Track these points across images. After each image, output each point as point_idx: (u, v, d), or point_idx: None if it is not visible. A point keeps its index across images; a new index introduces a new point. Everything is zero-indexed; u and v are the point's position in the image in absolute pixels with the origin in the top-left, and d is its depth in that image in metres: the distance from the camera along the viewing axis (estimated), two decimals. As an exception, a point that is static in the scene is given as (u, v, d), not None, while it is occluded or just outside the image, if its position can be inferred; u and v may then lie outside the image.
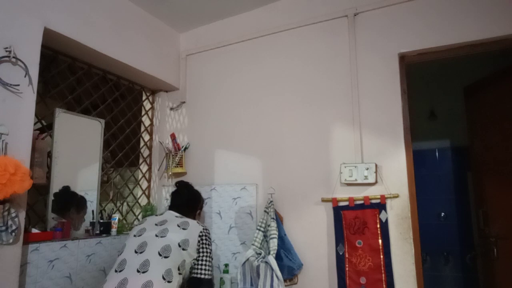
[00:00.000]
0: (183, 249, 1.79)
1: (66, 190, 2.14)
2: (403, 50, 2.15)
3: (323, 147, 2.28)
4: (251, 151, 2.53)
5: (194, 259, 1.84)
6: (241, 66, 2.68)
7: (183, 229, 1.87)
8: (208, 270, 1.86)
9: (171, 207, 2.11)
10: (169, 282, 1.65)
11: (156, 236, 1.81)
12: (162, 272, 1.66)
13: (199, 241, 1.86)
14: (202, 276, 1.83)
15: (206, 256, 1.87)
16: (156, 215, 2.07)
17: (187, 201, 2.13)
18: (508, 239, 2.42)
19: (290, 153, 2.39)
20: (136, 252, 1.76)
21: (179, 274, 1.74)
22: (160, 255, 1.72)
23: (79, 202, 2.22)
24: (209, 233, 1.95)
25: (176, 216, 1.99)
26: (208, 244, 1.91)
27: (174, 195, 2.17)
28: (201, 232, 1.90)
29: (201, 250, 1.86)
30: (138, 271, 1.65)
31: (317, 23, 2.41)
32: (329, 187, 2.23)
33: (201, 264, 1.85)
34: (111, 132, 2.56)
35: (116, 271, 1.71)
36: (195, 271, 1.84)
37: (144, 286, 1.59)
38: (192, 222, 1.94)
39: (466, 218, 3.48)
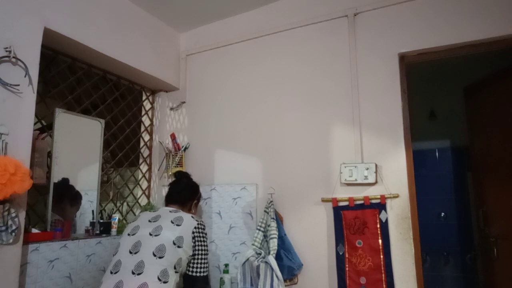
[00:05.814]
0: (178, 247, 1.73)
1: (64, 182, 2.14)
2: (403, 50, 2.15)
3: (323, 147, 2.29)
4: (251, 151, 2.53)
5: (190, 256, 1.79)
6: (241, 66, 2.67)
7: (177, 225, 1.80)
8: (203, 267, 1.80)
9: (168, 195, 2.08)
10: (165, 282, 1.62)
11: (150, 235, 1.76)
12: (158, 273, 1.63)
13: (193, 237, 1.80)
14: (197, 274, 1.78)
15: (201, 253, 1.81)
16: (151, 211, 2.01)
17: (185, 189, 2.11)
18: (508, 239, 2.42)
19: (290, 153, 2.39)
20: (130, 252, 1.72)
21: (176, 272, 1.70)
22: (154, 255, 1.68)
23: (75, 196, 2.22)
24: (203, 228, 1.87)
25: (171, 211, 1.92)
26: (203, 240, 1.84)
27: (172, 184, 2.16)
28: (195, 227, 1.83)
29: (196, 247, 1.80)
30: (133, 273, 1.62)
31: (317, 23, 2.41)
32: (329, 187, 2.23)
33: (197, 262, 1.79)
34: (111, 132, 2.56)
35: (111, 272, 1.68)
36: (190, 268, 1.79)
37: None
38: (186, 217, 1.87)
39: (466, 218, 3.48)
